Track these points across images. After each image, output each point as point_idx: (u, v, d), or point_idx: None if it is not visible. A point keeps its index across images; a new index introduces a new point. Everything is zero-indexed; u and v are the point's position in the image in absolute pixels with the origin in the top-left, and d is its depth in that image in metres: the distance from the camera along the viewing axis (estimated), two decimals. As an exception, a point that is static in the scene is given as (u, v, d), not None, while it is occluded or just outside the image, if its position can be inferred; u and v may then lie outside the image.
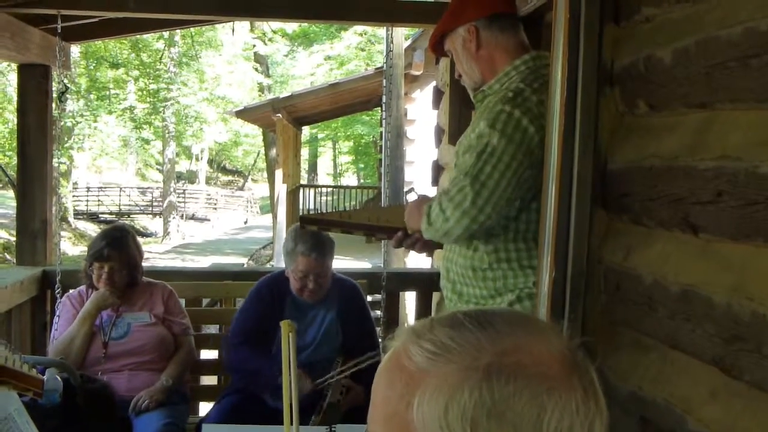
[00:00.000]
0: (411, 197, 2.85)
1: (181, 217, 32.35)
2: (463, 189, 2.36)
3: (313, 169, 43.59)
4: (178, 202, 32.60)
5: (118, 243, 3.89)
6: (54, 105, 4.62)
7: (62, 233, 4.39)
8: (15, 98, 4.89)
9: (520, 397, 0.83)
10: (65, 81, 4.49)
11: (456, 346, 0.87)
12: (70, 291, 4.05)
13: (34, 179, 4.55)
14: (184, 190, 36.73)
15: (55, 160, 4.65)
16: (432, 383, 0.86)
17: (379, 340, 4.11)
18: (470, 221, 2.37)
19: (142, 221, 33.07)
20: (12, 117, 21.28)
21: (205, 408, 4.39)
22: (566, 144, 2.12)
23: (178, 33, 24.93)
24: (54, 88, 4.60)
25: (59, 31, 4.05)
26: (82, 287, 3.94)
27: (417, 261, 8.95)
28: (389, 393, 0.90)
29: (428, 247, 2.83)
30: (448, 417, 0.84)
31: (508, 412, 0.82)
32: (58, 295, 4.10)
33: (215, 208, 37.38)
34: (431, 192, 3.93)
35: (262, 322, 3.71)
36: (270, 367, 3.58)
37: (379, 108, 16.83)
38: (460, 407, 0.83)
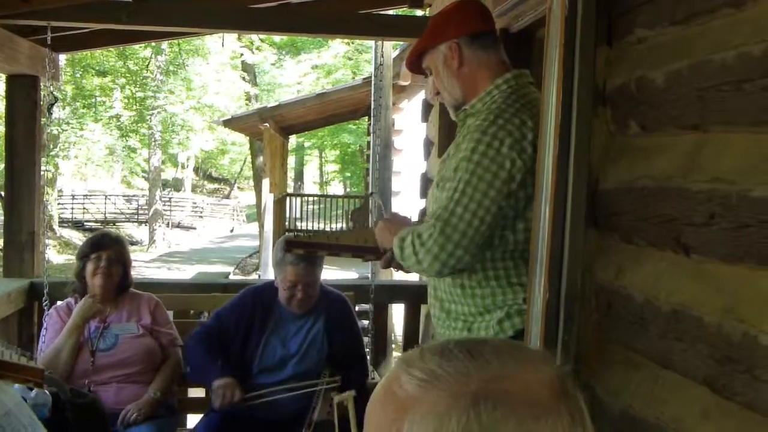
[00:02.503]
0: (372, 202, 2.86)
1: (167, 225, 32.27)
2: (433, 234, 2.40)
3: (299, 177, 43.57)
4: (164, 210, 32.51)
5: (114, 237, 4.04)
6: (42, 116, 4.61)
7: (47, 241, 4.40)
8: (2, 108, 4.88)
9: (507, 423, 0.84)
10: (54, 92, 4.48)
11: (445, 373, 0.88)
12: (58, 303, 4.04)
13: (22, 191, 4.54)
14: (170, 198, 36.63)
15: (42, 168, 4.64)
16: (421, 410, 0.87)
17: (367, 350, 4.12)
18: (441, 266, 2.41)
19: (127, 229, 32.91)
20: (-3, 125, 21.17)
21: (192, 420, 4.38)
22: (560, 168, 2.13)
23: (165, 41, 24.91)
24: (42, 99, 4.59)
25: (49, 42, 4.05)
26: (70, 299, 3.92)
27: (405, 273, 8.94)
28: (381, 420, 0.91)
29: None
30: None
31: None
32: (45, 307, 4.08)
33: (201, 217, 37.30)
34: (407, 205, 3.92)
35: (236, 327, 3.72)
36: (214, 375, 3.61)
37: (366, 117, 16.85)
38: None
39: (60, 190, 30.99)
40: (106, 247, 3.85)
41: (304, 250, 3.24)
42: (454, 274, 2.51)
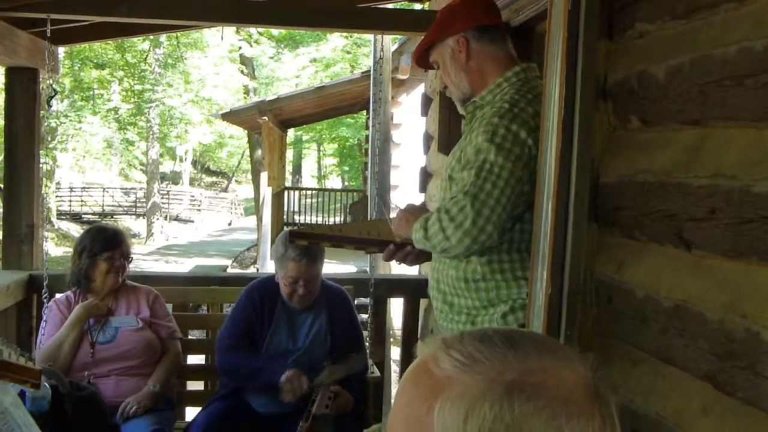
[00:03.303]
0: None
1: (165, 218, 32.24)
2: (464, 209, 2.34)
3: (297, 171, 43.56)
4: (162, 203, 32.47)
5: (119, 231, 4.04)
6: (41, 108, 4.59)
7: (45, 234, 4.39)
8: (1, 101, 4.86)
9: (539, 416, 0.84)
10: (54, 85, 4.47)
11: (483, 359, 0.89)
12: (57, 296, 4.02)
13: (21, 183, 4.52)
14: (168, 191, 36.55)
15: (40, 160, 4.63)
16: (455, 390, 0.87)
17: (366, 344, 4.13)
18: (471, 241, 2.36)
19: (125, 222, 32.84)
20: (-5, 117, 21.11)
21: (191, 413, 4.38)
22: (563, 161, 2.12)
23: (164, 34, 24.84)
24: (42, 92, 4.57)
25: (48, 35, 4.03)
26: (69, 292, 3.91)
27: (403, 266, 8.94)
28: (414, 396, 0.92)
29: (419, 260, 2.83)
30: (467, 426, 0.85)
31: (525, 429, 0.84)
32: (45, 300, 4.06)
33: (199, 210, 37.23)
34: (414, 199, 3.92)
35: (253, 325, 3.72)
36: (270, 364, 3.58)
37: (365, 111, 16.84)
38: (480, 418, 0.84)
39: (58, 183, 30.94)
40: (118, 246, 3.83)
41: (307, 241, 3.23)
42: (478, 253, 2.47)
